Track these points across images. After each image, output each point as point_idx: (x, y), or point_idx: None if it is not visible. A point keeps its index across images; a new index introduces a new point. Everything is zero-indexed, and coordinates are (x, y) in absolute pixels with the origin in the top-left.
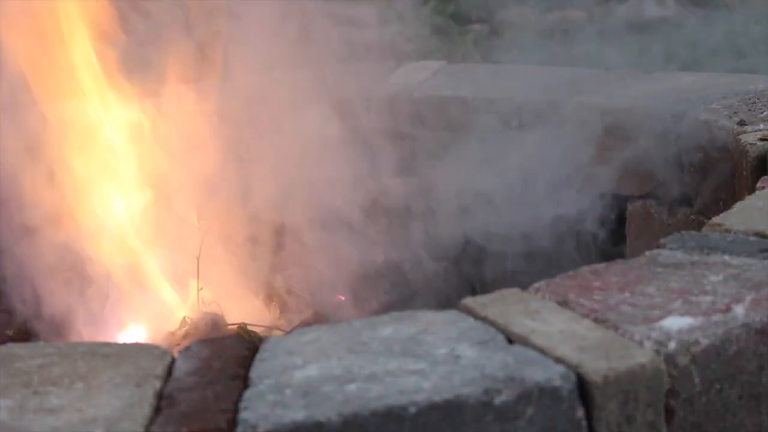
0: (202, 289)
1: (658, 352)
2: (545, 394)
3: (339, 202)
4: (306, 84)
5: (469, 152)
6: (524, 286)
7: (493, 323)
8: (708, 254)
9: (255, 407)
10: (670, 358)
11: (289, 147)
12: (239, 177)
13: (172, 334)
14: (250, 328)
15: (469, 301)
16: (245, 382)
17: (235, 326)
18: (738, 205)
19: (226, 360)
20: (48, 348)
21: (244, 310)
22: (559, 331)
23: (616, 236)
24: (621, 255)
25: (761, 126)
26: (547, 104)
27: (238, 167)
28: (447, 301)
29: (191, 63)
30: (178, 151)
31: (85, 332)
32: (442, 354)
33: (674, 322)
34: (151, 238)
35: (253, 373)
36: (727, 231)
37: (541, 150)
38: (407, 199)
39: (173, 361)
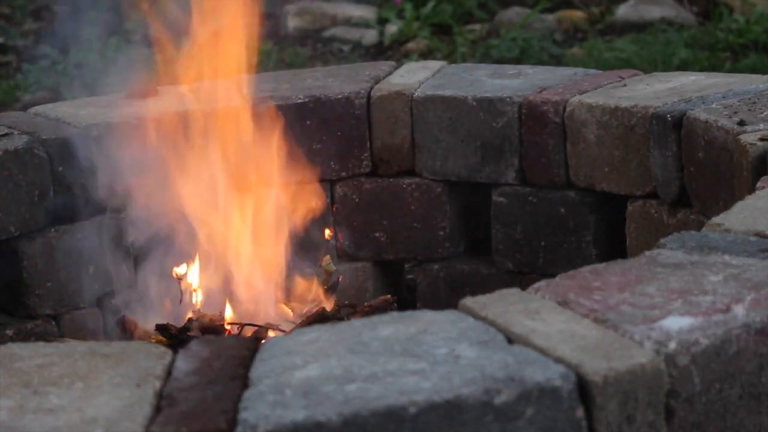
0: (197, 289)
1: (658, 352)
2: (545, 394)
3: None
4: None
5: None
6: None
7: (493, 323)
8: (708, 254)
9: (255, 407)
10: (670, 358)
11: None
12: None
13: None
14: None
15: (468, 301)
16: (245, 382)
17: (234, 325)
18: (738, 205)
19: (226, 360)
20: (48, 348)
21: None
22: (559, 331)
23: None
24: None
25: (761, 126)
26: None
27: None
28: None
29: None
30: None
31: None
32: (442, 354)
33: (674, 322)
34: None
35: (253, 373)
36: (727, 231)
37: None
38: None
39: (173, 361)
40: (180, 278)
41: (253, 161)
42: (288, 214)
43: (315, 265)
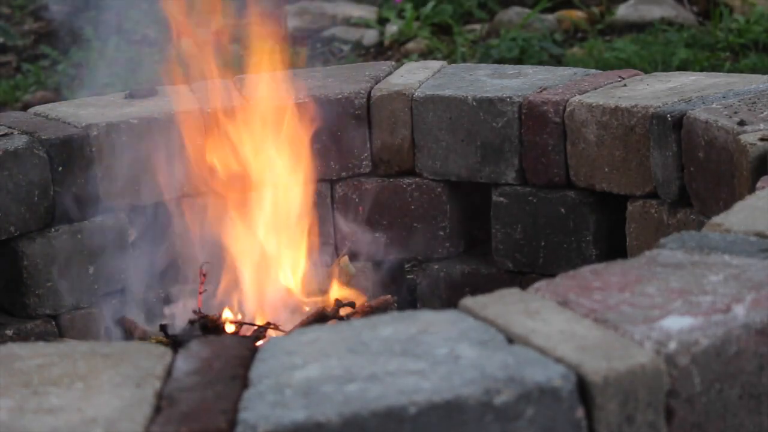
0: (205, 291)
1: (658, 352)
2: (545, 394)
3: None
4: None
5: None
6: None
7: (493, 323)
8: (708, 254)
9: (255, 407)
10: (670, 358)
11: None
12: None
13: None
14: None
15: (469, 301)
16: (245, 382)
17: (234, 325)
18: (738, 205)
19: (226, 360)
20: (48, 348)
21: None
22: (559, 331)
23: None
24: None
25: (761, 126)
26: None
27: None
28: None
29: None
30: None
31: None
32: (442, 354)
33: (674, 322)
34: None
35: (253, 373)
36: (727, 231)
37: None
38: None
39: (173, 361)
40: (204, 274)
41: (257, 160)
42: (290, 213)
43: (324, 265)
